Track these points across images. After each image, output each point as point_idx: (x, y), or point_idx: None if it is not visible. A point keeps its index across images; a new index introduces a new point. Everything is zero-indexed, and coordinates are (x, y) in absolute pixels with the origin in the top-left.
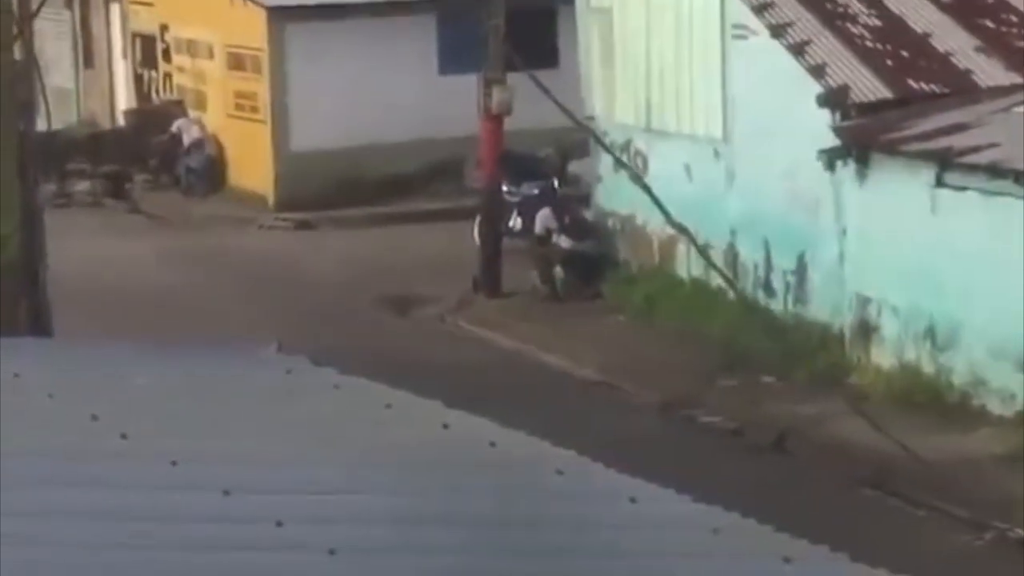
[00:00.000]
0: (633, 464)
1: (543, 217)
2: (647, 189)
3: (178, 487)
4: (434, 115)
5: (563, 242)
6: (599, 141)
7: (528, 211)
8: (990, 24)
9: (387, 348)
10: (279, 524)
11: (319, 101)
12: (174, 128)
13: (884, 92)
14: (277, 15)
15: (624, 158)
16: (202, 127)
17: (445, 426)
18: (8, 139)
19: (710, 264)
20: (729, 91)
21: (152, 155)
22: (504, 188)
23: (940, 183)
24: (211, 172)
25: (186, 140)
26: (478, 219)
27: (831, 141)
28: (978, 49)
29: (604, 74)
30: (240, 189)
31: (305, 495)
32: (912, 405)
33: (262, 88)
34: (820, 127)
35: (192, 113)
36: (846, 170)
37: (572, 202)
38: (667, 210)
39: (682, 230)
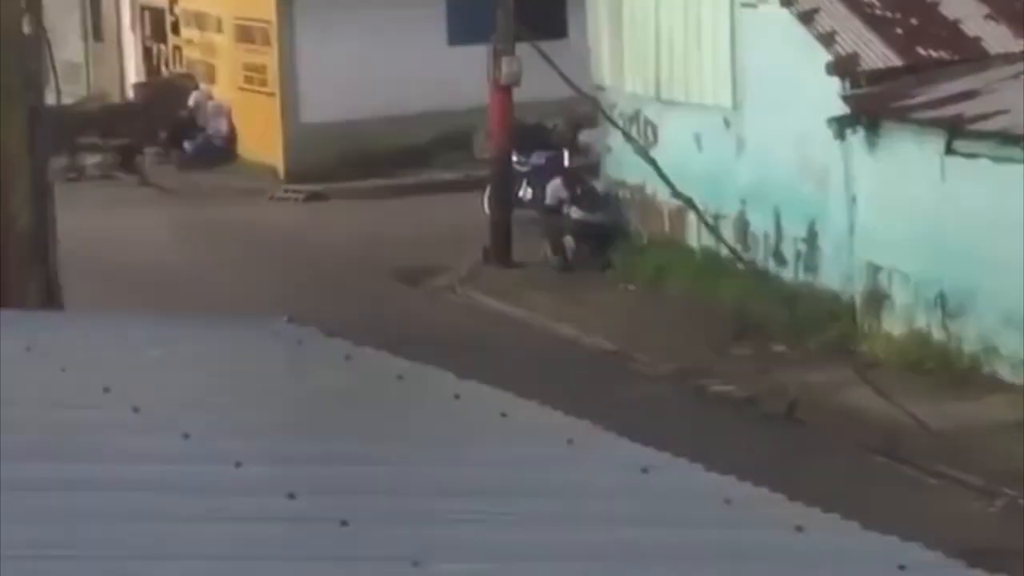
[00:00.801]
0: (645, 433)
1: (554, 188)
2: (652, 161)
3: (190, 459)
4: (443, 86)
5: (574, 213)
6: (604, 113)
7: (538, 182)
8: None
9: (398, 319)
10: (291, 496)
11: (328, 73)
12: (191, 102)
13: (893, 60)
14: None
15: (634, 128)
16: (216, 101)
17: (456, 396)
18: (18, 113)
19: (716, 236)
20: (738, 60)
21: (167, 128)
22: (514, 159)
23: (950, 150)
24: (226, 146)
25: (203, 115)
26: (488, 190)
27: (841, 109)
28: (987, 16)
29: (613, 44)
30: (250, 161)
31: (317, 466)
32: (923, 372)
33: (271, 60)
34: (830, 95)
35: (202, 86)
36: (856, 138)
37: (583, 173)
38: (672, 182)
39: (687, 202)
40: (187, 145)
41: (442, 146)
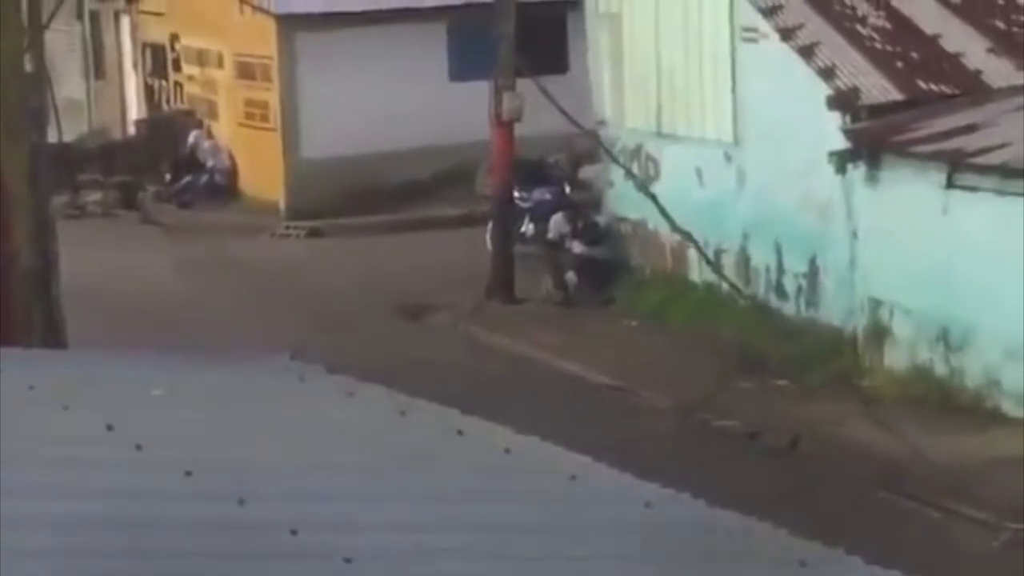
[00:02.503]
0: (648, 468)
1: (556, 222)
2: (652, 197)
3: (193, 497)
4: (445, 122)
5: (576, 247)
6: (605, 149)
7: (540, 217)
8: (1000, 24)
9: (401, 355)
10: (294, 532)
11: (329, 109)
12: (191, 139)
13: (894, 93)
14: (287, 23)
15: (635, 163)
16: (215, 138)
17: (460, 432)
18: (20, 150)
19: (716, 271)
20: (739, 94)
21: (169, 165)
22: (516, 194)
23: (951, 184)
24: (227, 183)
25: (202, 153)
26: (490, 225)
27: (842, 143)
28: (988, 50)
29: (614, 79)
30: (251, 197)
31: (320, 503)
32: (926, 407)
33: (272, 96)
34: (830, 129)
35: (204, 122)
36: (857, 172)
37: (585, 207)
38: (672, 218)
39: (687, 236)
40: (188, 182)
41: (444, 181)
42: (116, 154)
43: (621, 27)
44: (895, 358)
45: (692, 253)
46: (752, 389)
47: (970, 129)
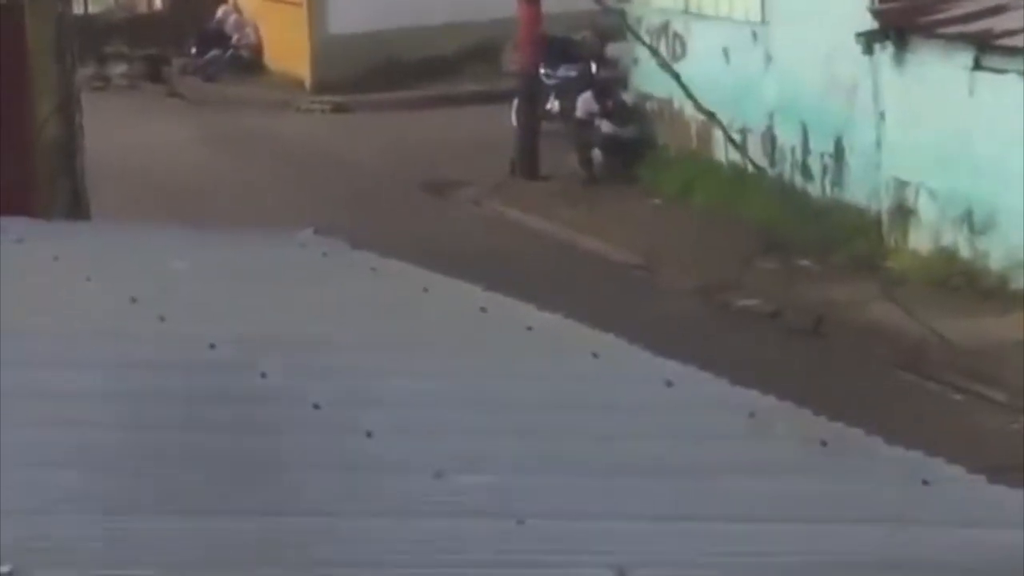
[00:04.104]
0: (669, 347)
1: (585, 101)
2: (677, 77)
3: (216, 369)
4: None
5: (604, 126)
6: (628, 27)
7: (566, 95)
8: None
9: (424, 231)
10: (316, 406)
11: None
12: (219, 14)
13: None
14: None
15: (662, 41)
16: (242, 13)
17: (482, 309)
18: (46, 22)
19: (740, 151)
20: None
21: (195, 38)
22: (542, 71)
23: (978, 66)
24: (253, 57)
25: (229, 27)
26: (516, 102)
27: (869, 24)
28: None
29: None
30: (277, 72)
31: (342, 378)
32: (949, 289)
33: None
34: (858, 10)
35: None
36: (884, 53)
37: (612, 85)
38: (697, 98)
39: (711, 116)
40: (214, 56)
41: (470, 58)
42: (142, 27)
43: None
44: (919, 239)
45: (717, 133)
46: (775, 269)
47: (997, 11)
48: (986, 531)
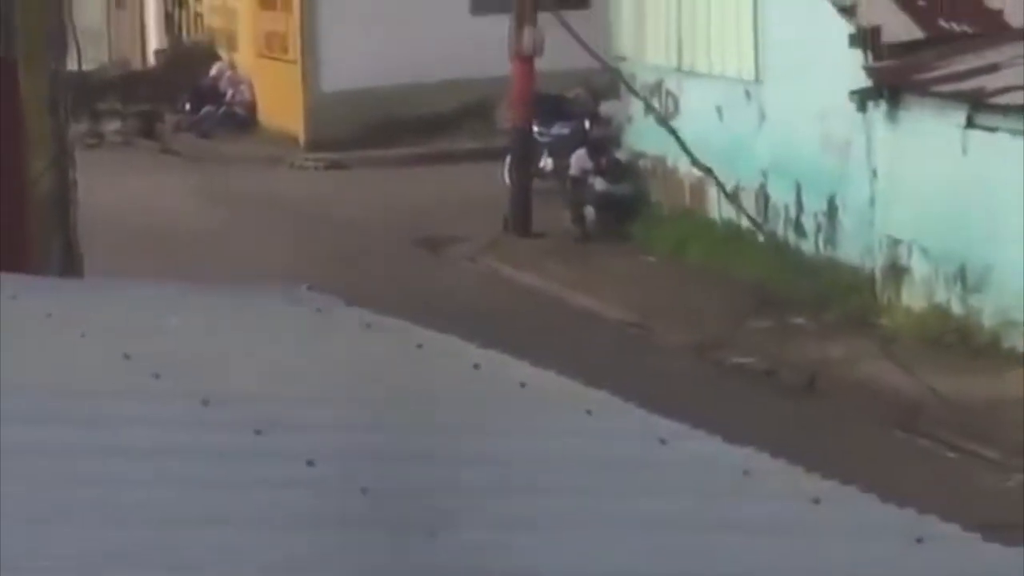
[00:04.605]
0: (664, 405)
1: (579, 158)
2: (673, 132)
3: (210, 426)
4: (465, 55)
5: (598, 184)
6: (625, 83)
7: (559, 152)
8: None
9: (417, 288)
10: (310, 463)
11: (350, 40)
12: (213, 71)
13: (916, 32)
14: None
15: (655, 99)
16: (237, 70)
17: (476, 366)
18: (40, 78)
19: (737, 207)
20: (760, 32)
21: (188, 95)
22: (535, 129)
23: (971, 124)
24: (246, 114)
25: (223, 83)
26: (509, 160)
27: (863, 82)
28: None
29: (635, 14)
30: (270, 129)
31: (337, 435)
32: (942, 346)
33: (292, 27)
34: (852, 68)
35: (223, 53)
36: (877, 111)
37: (605, 143)
38: (692, 153)
39: (707, 171)
40: (208, 112)
41: (463, 115)
42: (136, 83)
43: None
44: (913, 297)
45: (711, 190)
46: (769, 327)
47: (991, 69)
48: None
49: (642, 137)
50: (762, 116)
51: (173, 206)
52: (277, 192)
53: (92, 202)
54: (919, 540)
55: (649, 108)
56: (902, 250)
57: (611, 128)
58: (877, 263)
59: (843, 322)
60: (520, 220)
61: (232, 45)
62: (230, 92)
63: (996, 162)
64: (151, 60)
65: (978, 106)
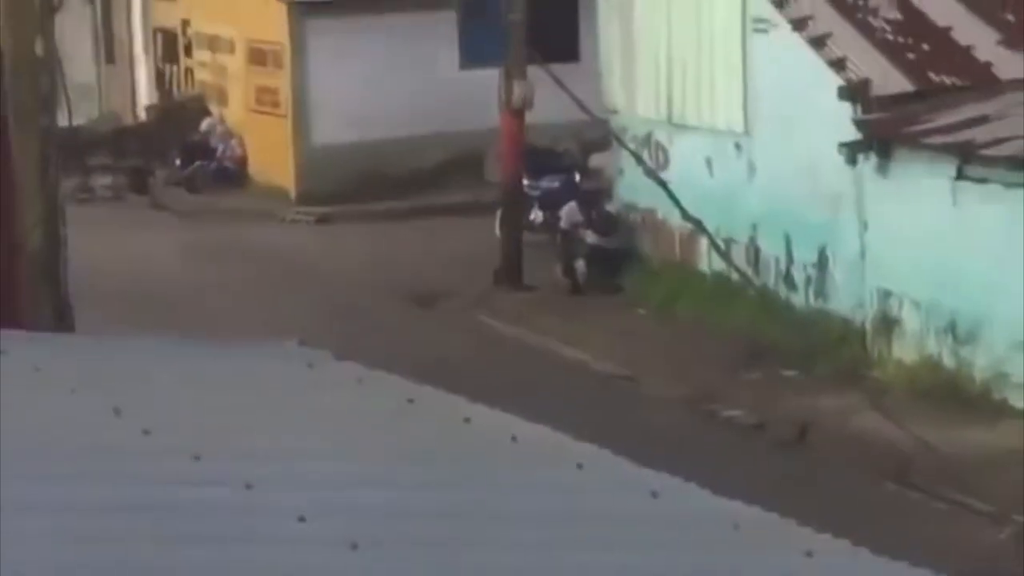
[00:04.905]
0: (654, 458)
1: (569, 212)
2: (663, 184)
3: (201, 482)
4: (455, 109)
5: (589, 237)
6: (616, 136)
7: (549, 205)
8: (1011, 17)
9: (409, 342)
10: (302, 519)
11: (340, 95)
12: (204, 126)
13: (905, 85)
14: (299, 9)
15: (645, 152)
16: (227, 125)
17: (467, 420)
18: (30, 134)
19: (727, 260)
20: (750, 84)
21: (179, 150)
22: (525, 182)
23: (961, 176)
24: (237, 168)
25: (214, 138)
26: (499, 213)
27: (852, 134)
28: (999, 42)
29: (625, 67)
30: (261, 184)
31: (328, 490)
32: (934, 399)
33: (283, 82)
34: (841, 120)
35: (213, 108)
36: (867, 163)
37: (596, 196)
38: (683, 205)
39: (698, 224)
40: (199, 167)
41: (454, 169)
42: (126, 139)
43: (632, 15)
44: (904, 349)
45: (702, 243)
46: (760, 379)
47: (980, 121)
48: None
49: (633, 190)
50: (752, 168)
51: (164, 261)
52: (268, 246)
53: (82, 257)
54: None
55: (639, 161)
56: (893, 302)
57: (601, 181)
58: (868, 315)
59: (834, 374)
60: (511, 273)
61: (223, 100)
62: (221, 147)
63: (986, 214)
64: (142, 115)
65: (968, 158)
